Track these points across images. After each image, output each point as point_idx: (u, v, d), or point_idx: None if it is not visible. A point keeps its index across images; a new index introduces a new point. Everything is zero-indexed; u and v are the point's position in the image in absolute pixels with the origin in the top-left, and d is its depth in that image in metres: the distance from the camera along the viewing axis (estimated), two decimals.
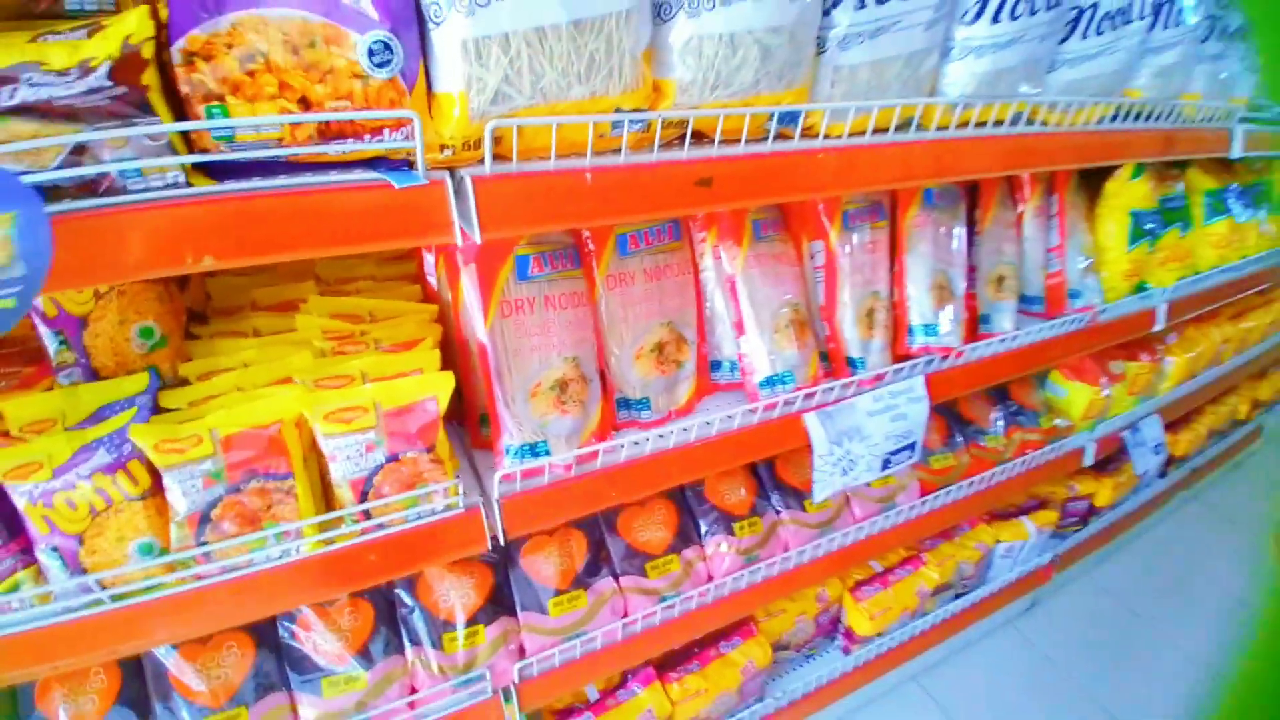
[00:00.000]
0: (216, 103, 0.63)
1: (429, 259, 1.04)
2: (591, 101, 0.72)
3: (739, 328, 1.07)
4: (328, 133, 0.67)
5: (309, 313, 0.93)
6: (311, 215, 0.66)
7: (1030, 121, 1.10)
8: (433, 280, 1.04)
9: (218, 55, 0.61)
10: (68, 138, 0.58)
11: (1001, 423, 1.54)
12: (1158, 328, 1.58)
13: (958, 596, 1.70)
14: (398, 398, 0.82)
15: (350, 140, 0.68)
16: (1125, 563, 2.08)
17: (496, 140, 0.72)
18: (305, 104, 0.65)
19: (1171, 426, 1.95)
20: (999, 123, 1.05)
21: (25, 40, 0.60)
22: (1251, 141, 1.56)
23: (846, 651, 1.57)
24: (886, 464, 1.20)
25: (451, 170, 0.74)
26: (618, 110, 0.75)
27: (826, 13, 0.83)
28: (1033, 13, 0.95)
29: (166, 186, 0.64)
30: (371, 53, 0.64)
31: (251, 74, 0.62)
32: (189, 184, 0.65)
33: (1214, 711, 1.60)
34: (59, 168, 0.59)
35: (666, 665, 1.36)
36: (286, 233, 0.66)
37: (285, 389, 0.82)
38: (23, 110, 0.57)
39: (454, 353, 1.00)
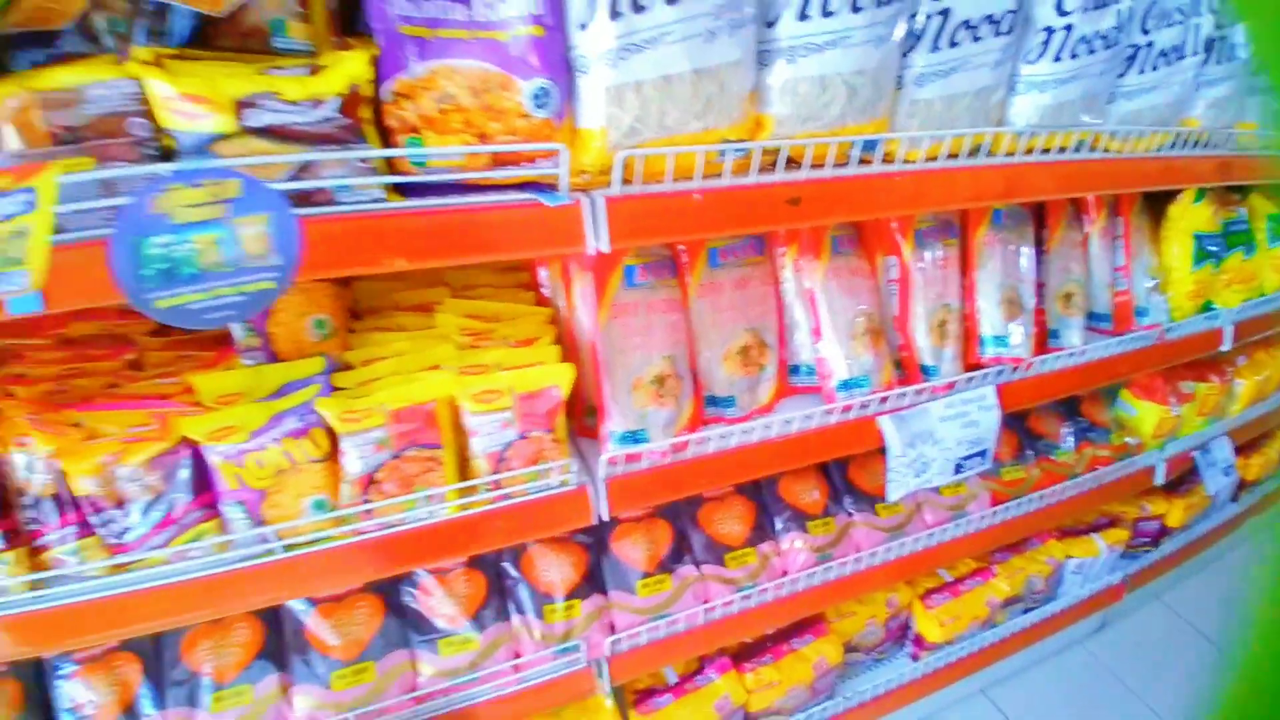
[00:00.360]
0: (414, 134, 0.78)
1: (542, 271, 1.18)
2: (704, 134, 0.86)
3: (816, 334, 1.18)
4: (496, 161, 0.82)
5: (446, 312, 1.08)
6: (481, 227, 0.81)
7: (1093, 148, 1.19)
8: (545, 289, 1.19)
9: (418, 96, 0.77)
10: (298, 156, 0.74)
11: (1072, 438, 1.59)
12: (1225, 348, 1.61)
13: (1027, 610, 1.72)
14: (529, 384, 0.96)
15: (512, 167, 0.83)
16: (1198, 587, 2.06)
17: (624, 166, 0.86)
18: (481, 137, 0.81)
19: (1242, 450, 1.94)
20: (1062, 149, 1.14)
21: (255, 72, 0.76)
22: None
23: (915, 658, 1.61)
24: (959, 469, 1.27)
25: (585, 191, 0.88)
26: (724, 141, 0.88)
27: (905, 55, 0.95)
28: (1091, 52, 1.05)
29: (370, 201, 0.80)
30: (535, 96, 0.79)
31: (443, 112, 0.78)
32: (386, 200, 0.81)
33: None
34: (286, 180, 0.76)
35: (742, 656, 1.44)
36: (461, 241, 0.81)
37: (436, 374, 0.96)
38: (264, 131, 0.74)
39: (564, 351, 1.14)
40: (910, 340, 1.23)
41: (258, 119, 0.73)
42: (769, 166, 0.94)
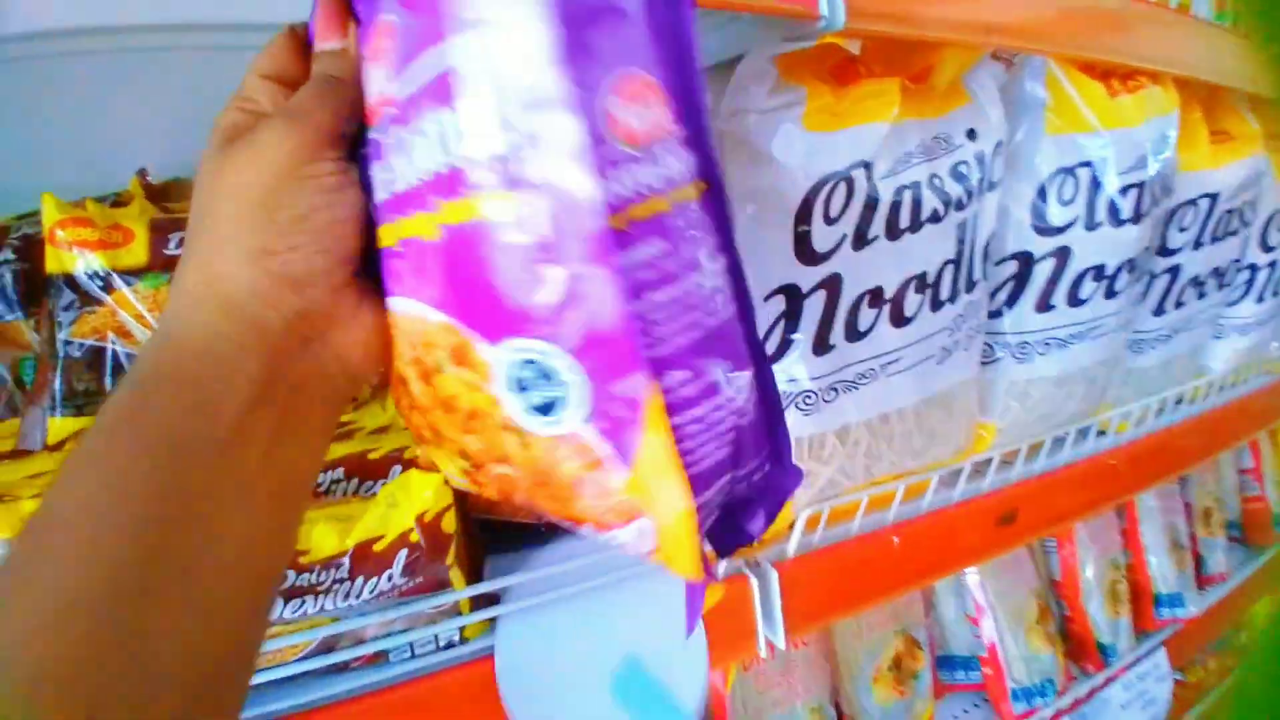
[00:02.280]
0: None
1: None
2: (920, 469, 0.59)
3: (976, 621, 0.91)
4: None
5: None
6: None
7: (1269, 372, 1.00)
8: None
9: None
10: (331, 629, 0.43)
11: (1199, 653, 1.36)
12: None
13: None
14: None
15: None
16: None
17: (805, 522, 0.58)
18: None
19: None
20: (1245, 383, 0.95)
21: None
22: None
23: None
24: None
25: (746, 561, 0.59)
26: (937, 468, 0.62)
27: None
28: None
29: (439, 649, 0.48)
30: None
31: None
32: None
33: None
34: (308, 656, 0.44)
35: None
36: None
37: None
38: None
39: None
40: (1080, 612, 0.98)
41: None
42: (975, 474, 0.68)
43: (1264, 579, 1.26)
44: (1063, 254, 0.61)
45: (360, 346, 0.28)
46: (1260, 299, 0.84)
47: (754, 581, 0.57)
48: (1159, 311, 0.73)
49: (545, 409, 0.24)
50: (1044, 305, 0.61)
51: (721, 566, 0.57)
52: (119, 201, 0.63)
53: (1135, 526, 1.03)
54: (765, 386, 0.28)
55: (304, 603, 0.40)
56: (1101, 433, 0.78)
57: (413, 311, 0.27)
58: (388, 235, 0.28)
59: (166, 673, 0.22)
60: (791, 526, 0.58)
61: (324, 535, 0.41)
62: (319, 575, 0.40)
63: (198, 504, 0.23)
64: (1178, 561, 1.03)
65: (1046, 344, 0.62)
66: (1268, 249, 0.82)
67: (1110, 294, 0.61)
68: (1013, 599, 0.91)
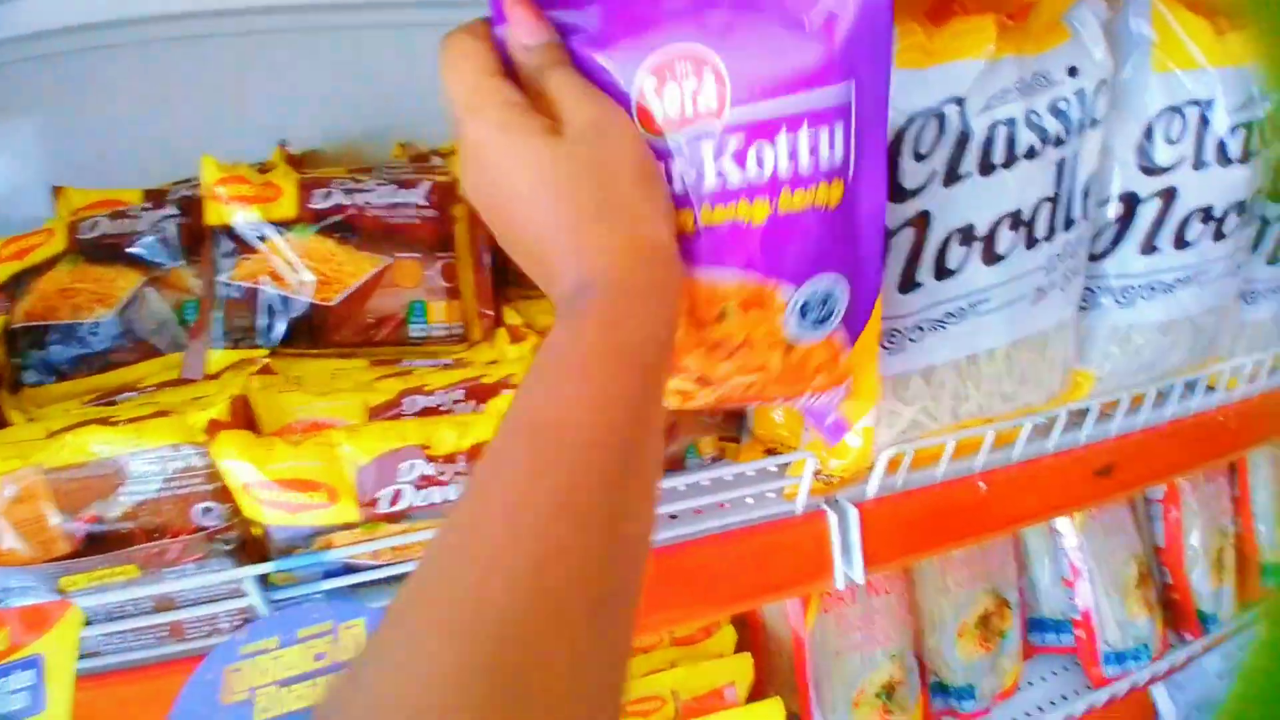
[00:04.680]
0: None
1: None
2: (1010, 414, 0.59)
3: (1071, 584, 0.89)
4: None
5: None
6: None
7: None
8: None
9: None
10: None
11: None
12: None
13: None
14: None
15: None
16: None
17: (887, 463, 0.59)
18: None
19: None
20: None
21: (399, 386, 0.51)
22: None
23: None
24: None
25: (828, 497, 0.61)
26: (1028, 414, 0.61)
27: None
28: None
29: None
30: None
31: None
32: None
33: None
34: None
35: None
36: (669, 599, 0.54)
37: None
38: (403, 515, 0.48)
39: (745, 629, 0.85)
40: (1184, 581, 0.94)
41: (402, 501, 0.47)
42: (1071, 425, 0.67)
43: None
44: (1169, 194, 0.59)
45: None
46: None
47: (832, 518, 0.59)
48: (1273, 260, 0.68)
49: (822, 320, 0.39)
50: (1148, 247, 0.59)
51: (801, 502, 0.59)
52: (264, 169, 0.70)
53: (1246, 494, 0.97)
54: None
55: (431, 491, 0.45)
56: (1210, 388, 0.74)
57: (710, 274, 0.37)
58: (705, 218, 0.35)
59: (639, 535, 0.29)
60: (872, 467, 0.59)
61: (444, 436, 0.46)
62: (441, 467, 0.46)
63: (656, 406, 0.30)
64: None
65: (1151, 288, 0.60)
66: None
67: (1219, 237, 0.59)
68: (1112, 563, 0.88)
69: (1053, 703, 0.89)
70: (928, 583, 0.84)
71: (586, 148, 0.31)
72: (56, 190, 0.70)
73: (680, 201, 0.35)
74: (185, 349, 0.61)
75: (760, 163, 0.34)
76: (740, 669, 0.74)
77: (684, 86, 0.33)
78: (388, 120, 0.81)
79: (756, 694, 0.74)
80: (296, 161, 0.76)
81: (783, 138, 0.34)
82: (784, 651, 0.80)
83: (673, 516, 0.58)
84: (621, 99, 0.33)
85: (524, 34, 0.33)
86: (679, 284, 0.34)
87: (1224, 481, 0.97)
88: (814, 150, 0.34)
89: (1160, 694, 0.89)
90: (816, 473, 0.58)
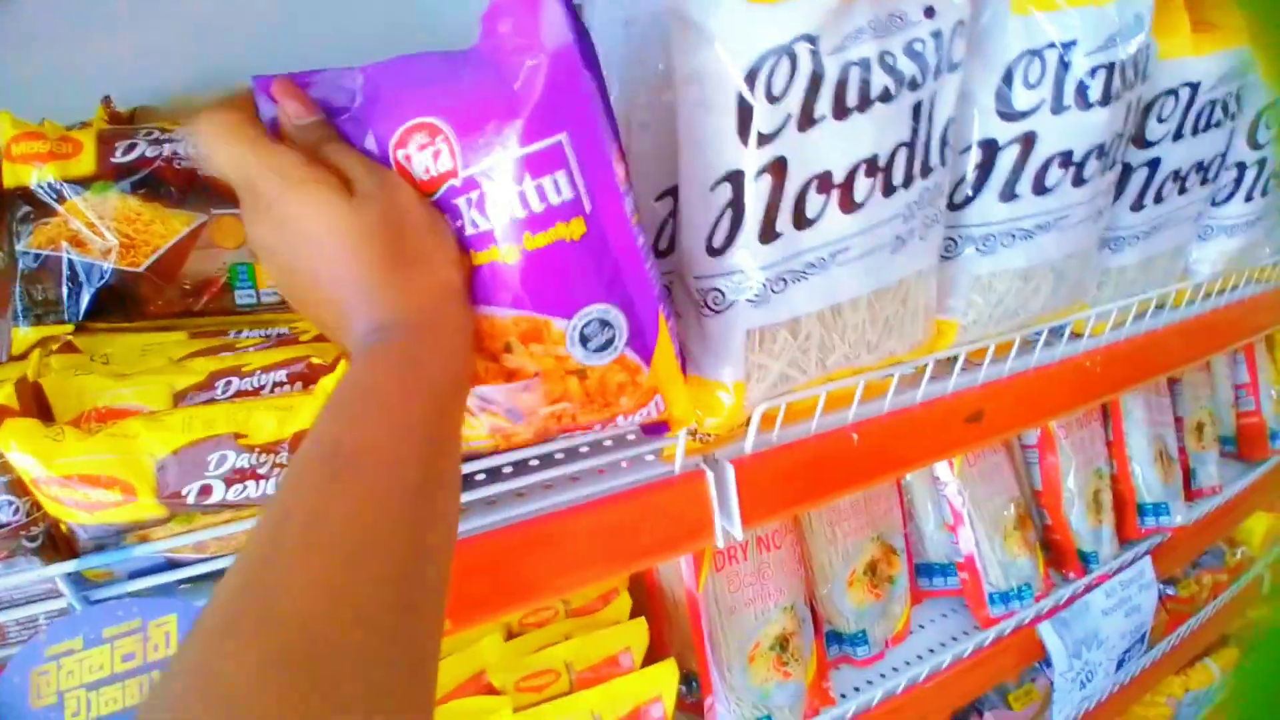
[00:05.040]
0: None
1: None
2: (876, 365, 0.59)
3: (953, 529, 0.92)
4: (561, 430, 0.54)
5: None
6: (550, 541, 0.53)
7: (1258, 281, 0.97)
8: None
9: None
10: None
11: (1191, 567, 1.38)
12: None
13: None
14: (619, 707, 0.67)
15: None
16: None
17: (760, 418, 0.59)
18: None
19: None
20: (1234, 289, 0.92)
21: (210, 367, 0.46)
22: None
23: None
24: (1120, 665, 1.03)
25: (704, 456, 0.60)
26: (895, 364, 0.62)
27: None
28: None
29: None
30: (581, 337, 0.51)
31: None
32: None
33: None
34: None
35: None
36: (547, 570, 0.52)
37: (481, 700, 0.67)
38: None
39: (642, 594, 0.85)
40: (1063, 522, 0.99)
41: (214, 495, 0.43)
42: (940, 375, 0.68)
43: (1258, 493, 1.26)
44: (1028, 139, 0.59)
45: None
46: (1249, 198, 0.81)
47: (710, 476, 0.58)
48: (1137, 207, 0.71)
49: (605, 346, 0.43)
50: (1009, 194, 0.59)
51: (679, 463, 0.58)
52: (85, 125, 0.62)
53: (1121, 438, 1.03)
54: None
55: (247, 486, 0.41)
56: (1077, 335, 0.77)
57: (487, 312, 0.41)
58: (474, 260, 0.40)
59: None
60: (748, 424, 0.59)
61: (262, 422, 0.42)
62: (258, 457, 0.42)
63: (452, 430, 0.34)
64: (1164, 473, 1.03)
65: (1011, 235, 0.60)
66: (1256, 146, 0.79)
67: (1079, 182, 0.60)
68: (990, 506, 0.92)
69: (943, 644, 0.93)
70: (817, 534, 0.85)
71: (378, 204, 0.35)
72: None
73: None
74: None
75: (500, 209, 0.39)
76: (635, 634, 0.73)
77: (427, 153, 0.38)
78: (227, 74, 0.74)
79: (654, 658, 0.74)
80: (123, 119, 0.68)
81: (512, 187, 0.38)
82: (681, 613, 0.80)
83: (547, 486, 0.56)
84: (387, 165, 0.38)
85: (297, 112, 0.37)
86: (470, 323, 0.39)
87: (1098, 426, 1.02)
88: (543, 195, 0.39)
89: (1047, 632, 0.94)
90: (692, 433, 0.57)
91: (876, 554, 0.89)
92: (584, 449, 0.61)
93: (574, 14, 0.38)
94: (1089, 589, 1.00)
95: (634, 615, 0.78)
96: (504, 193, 0.38)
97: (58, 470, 0.39)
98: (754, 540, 0.80)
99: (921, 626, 0.95)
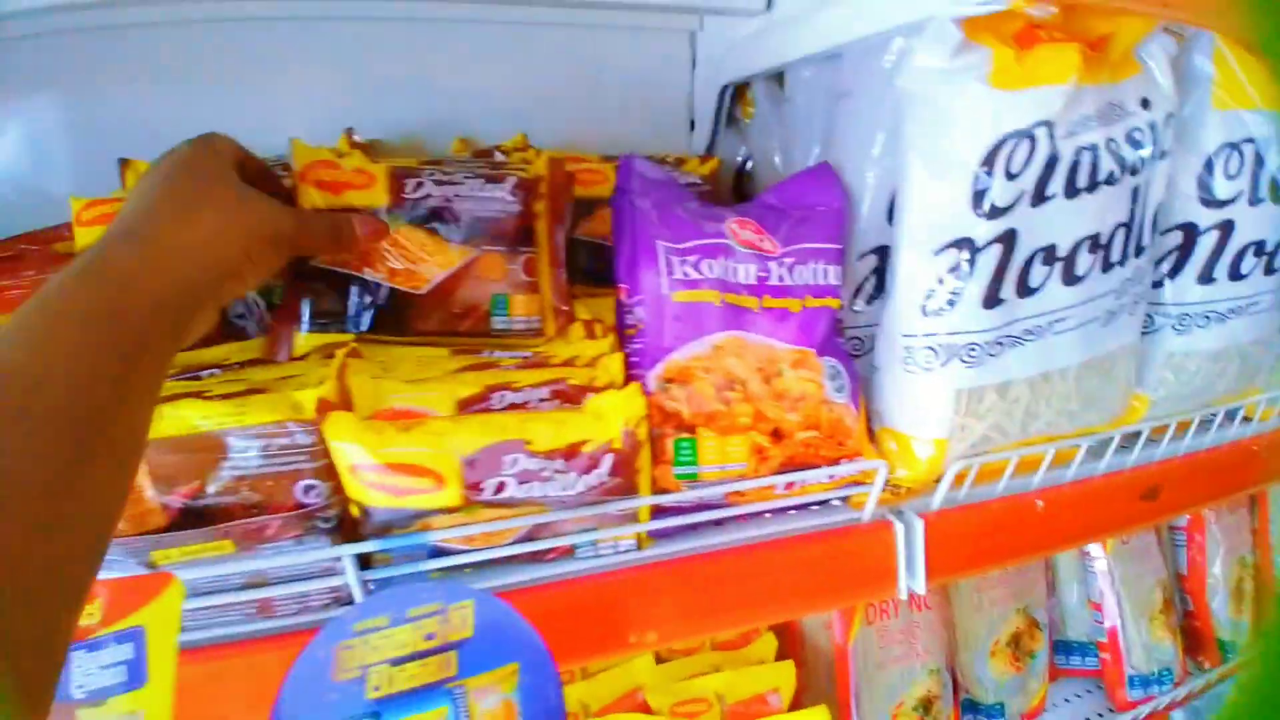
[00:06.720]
0: (687, 435, 0.53)
1: None
2: (1074, 434, 0.61)
3: (1099, 607, 0.91)
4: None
5: None
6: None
7: None
8: None
9: (694, 380, 0.53)
10: (538, 517, 0.49)
11: None
12: None
13: None
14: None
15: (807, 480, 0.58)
16: None
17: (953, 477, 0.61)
18: (775, 436, 0.55)
19: None
20: None
21: (485, 381, 0.51)
22: None
23: None
24: None
25: (893, 507, 0.62)
26: (1089, 434, 0.63)
27: None
28: None
29: (616, 553, 0.54)
30: (832, 377, 0.56)
31: (728, 403, 0.53)
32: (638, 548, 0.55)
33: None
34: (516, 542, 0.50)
35: None
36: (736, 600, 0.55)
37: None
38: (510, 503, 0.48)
39: (782, 637, 0.85)
40: (1205, 609, 0.96)
41: (508, 490, 0.47)
42: (1121, 448, 0.69)
43: None
44: (1227, 227, 0.61)
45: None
46: None
47: (899, 528, 0.60)
48: None
49: (842, 388, 0.57)
50: (1206, 277, 0.61)
51: (868, 511, 0.60)
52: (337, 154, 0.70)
53: (1266, 526, 1.00)
54: None
55: (532, 486, 0.46)
56: (1247, 418, 0.77)
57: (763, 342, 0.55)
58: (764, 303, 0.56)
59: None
60: (939, 480, 0.61)
61: (542, 432, 0.46)
62: (541, 462, 0.46)
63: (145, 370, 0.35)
64: None
65: (1206, 317, 0.62)
66: None
67: (1270, 270, 0.61)
68: (1139, 586, 0.90)
69: None
70: (963, 599, 0.85)
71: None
72: (123, 163, 0.69)
73: (749, 290, 0.55)
74: (271, 333, 0.61)
75: (795, 277, 0.57)
76: (784, 676, 0.74)
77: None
78: (436, 115, 0.82)
79: (795, 703, 0.75)
80: (363, 149, 0.76)
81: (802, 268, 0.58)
82: (822, 662, 0.80)
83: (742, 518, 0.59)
84: None
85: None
86: (204, 283, 0.39)
87: (1245, 513, 0.99)
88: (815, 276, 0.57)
89: None
90: (885, 483, 0.60)
91: (1021, 626, 0.88)
92: (780, 489, 0.63)
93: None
94: (1222, 679, 0.96)
95: (776, 658, 0.79)
96: (796, 268, 0.58)
97: (381, 459, 0.44)
98: (908, 599, 0.80)
99: (1054, 705, 0.93)
